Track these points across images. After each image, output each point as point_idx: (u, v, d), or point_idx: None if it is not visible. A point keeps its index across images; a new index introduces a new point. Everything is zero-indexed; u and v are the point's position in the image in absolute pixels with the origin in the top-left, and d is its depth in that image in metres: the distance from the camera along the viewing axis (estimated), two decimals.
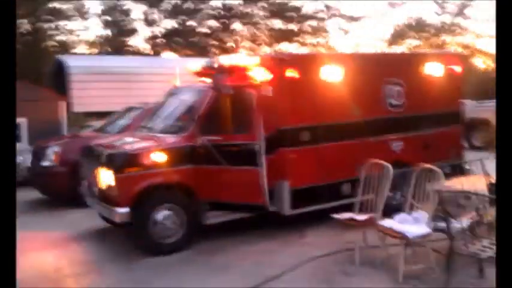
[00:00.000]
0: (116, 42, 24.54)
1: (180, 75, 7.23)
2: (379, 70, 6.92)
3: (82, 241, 6.42)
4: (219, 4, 26.78)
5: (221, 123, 5.79)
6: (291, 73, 6.05)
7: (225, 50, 27.13)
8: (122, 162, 5.47)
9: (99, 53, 23.81)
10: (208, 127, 5.77)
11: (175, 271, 5.18)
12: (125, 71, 14.27)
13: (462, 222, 4.67)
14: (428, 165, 5.19)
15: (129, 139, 6.25)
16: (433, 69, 7.44)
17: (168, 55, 25.72)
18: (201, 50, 24.86)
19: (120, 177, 5.40)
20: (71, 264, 5.59)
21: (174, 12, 25.37)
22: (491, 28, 25.08)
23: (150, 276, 5.07)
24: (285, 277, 4.88)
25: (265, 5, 26.25)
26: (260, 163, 5.64)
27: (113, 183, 5.44)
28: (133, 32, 25.15)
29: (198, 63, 7.00)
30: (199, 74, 6.93)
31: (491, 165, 4.86)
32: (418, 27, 27.25)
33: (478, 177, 5.23)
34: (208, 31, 26.69)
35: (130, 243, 5.94)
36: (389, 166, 5.30)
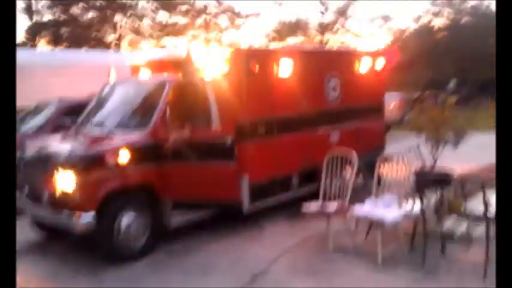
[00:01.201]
0: None
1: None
2: (322, 65, 7.22)
3: (29, 254, 5.70)
4: None
5: (184, 117, 5.58)
6: (251, 66, 6.01)
7: (106, 43, 25.90)
8: (87, 163, 4.98)
9: None
10: (172, 121, 5.52)
11: (153, 277, 4.87)
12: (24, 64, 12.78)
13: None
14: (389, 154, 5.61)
15: (82, 137, 5.70)
16: (363, 66, 7.94)
17: (46, 46, 23.75)
18: (80, 42, 23.39)
19: (85, 180, 4.91)
20: (29, 282, 4.88)
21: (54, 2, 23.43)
22: (370, 28, 27.68)
23: (127, 286, 4.70)
24: (269, 271, 4.86)
25: None
26: (234, 157, 5.55)
27: (74, 187, 4.92)
28: None
29: (145, 54, 6.73)
30: (156, 65, 6.59)
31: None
32: (300, 25, 28.68)
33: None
34: (89, 22, 25.24)
35: (87, 253, 5.46)
36: (355, 153, 5.61)
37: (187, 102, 5.66)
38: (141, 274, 4.96)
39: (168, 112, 5.54)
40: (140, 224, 5.32)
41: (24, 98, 9.68)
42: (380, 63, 8.28)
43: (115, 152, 5.17)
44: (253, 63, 6.06)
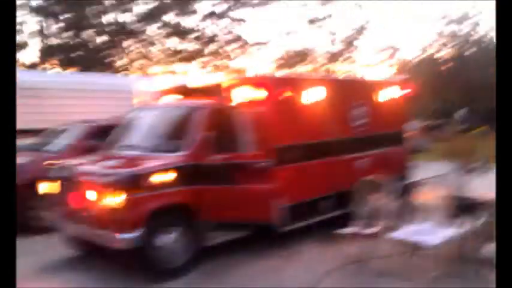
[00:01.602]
0: None
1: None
2: (349, 93, 7.36)
3: (70, 271, 5.77)
4: (111, 20, 25.79)
5: (221, 141, 5.67)
6: (285, 93, 6.20)
7: (116, 67, 26.19)
8: (134, 183, 5.04)
9: None
10: (209, 145, 5.63)
11: None
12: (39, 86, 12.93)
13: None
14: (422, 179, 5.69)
15: (120, 158, 5.77)
16: (387, 94, 8.05)
17: (57, 69, 24.00)
18: (90, 65, 23.63)
19: (128, 199, 4.95)
20: None
21: (67, 25, 23.80)
22: (375, 58, 28.21)
23: None
24: None
25: (163, 24, 25.87)
26: (270, 180, 5.63)
27: (118, 206, 4.96)
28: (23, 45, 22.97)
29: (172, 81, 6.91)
30: (186, 91, 6.73)
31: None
32: (307, 54, 29.02)
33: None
34: (99, 47, 25.58)
35: (125, 271, 5.48)
36: (388, 182, 5.70)
37: (224, 126, 5.80)
38: None
39: (205, 136, 5.64)
40: (178, 244, 5.35)
41: (43, 119, 9.91)
42: (402, 92, 8.40)
43: (156, 172, 5.23)
44: (287, 90, 6.24)
